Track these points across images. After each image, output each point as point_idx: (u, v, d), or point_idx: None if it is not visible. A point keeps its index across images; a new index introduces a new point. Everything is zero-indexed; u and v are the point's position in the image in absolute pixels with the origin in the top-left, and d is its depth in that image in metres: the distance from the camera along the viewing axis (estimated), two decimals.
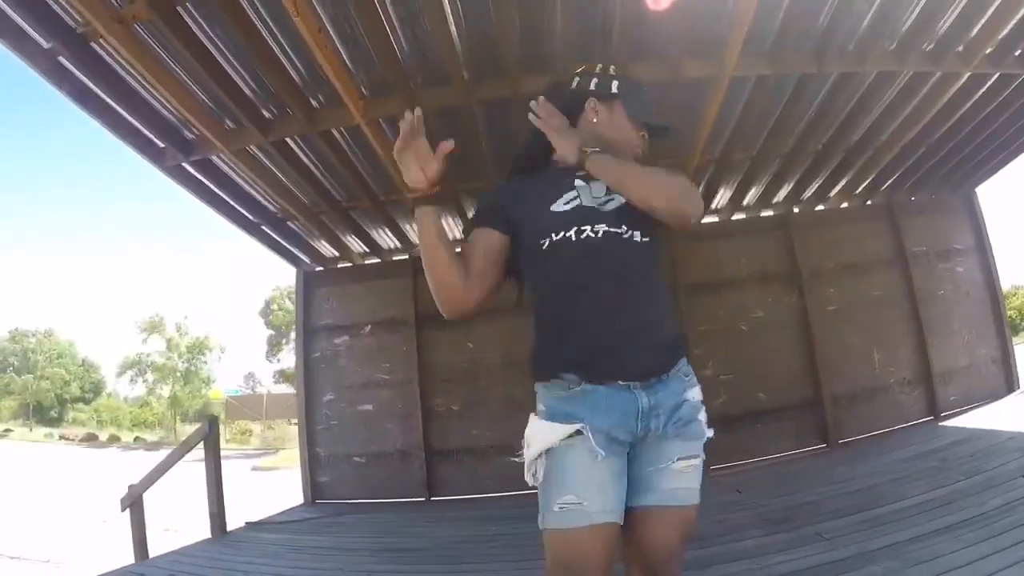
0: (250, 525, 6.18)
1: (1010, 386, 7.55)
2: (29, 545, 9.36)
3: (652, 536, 1.48)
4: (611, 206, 1.56)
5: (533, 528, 1.47)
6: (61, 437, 42.85)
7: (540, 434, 1.45)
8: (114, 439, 40.25)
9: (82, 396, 54.18)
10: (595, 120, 1.70)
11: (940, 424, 6.80)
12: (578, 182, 1.60)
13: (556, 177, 1.64)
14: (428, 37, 4.16)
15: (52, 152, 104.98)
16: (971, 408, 7.13)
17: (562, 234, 1.53)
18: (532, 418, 1.51)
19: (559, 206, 1.57)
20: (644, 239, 1.55)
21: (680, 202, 1.52)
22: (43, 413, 51.80)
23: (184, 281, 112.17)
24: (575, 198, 1.57)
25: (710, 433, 1.57)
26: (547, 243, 1.53)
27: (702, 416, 1.56)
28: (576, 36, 4.24)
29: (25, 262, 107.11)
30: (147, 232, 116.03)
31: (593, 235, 1.52)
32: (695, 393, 1.57)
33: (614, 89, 1.71)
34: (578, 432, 1.41)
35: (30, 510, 13.37)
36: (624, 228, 1.53)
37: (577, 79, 1.76)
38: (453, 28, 4.11)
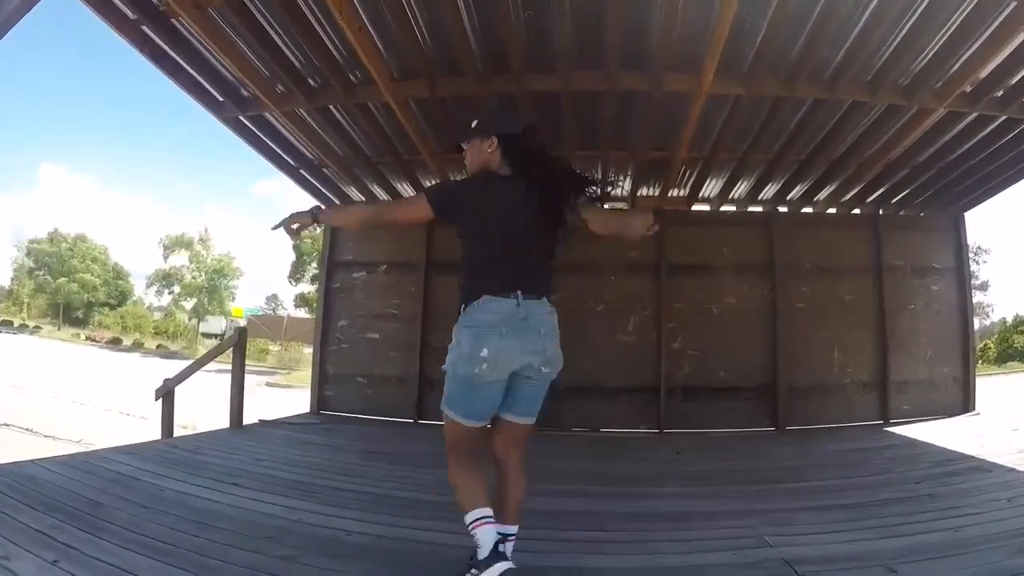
0: (263, 423, 7.18)
1: (966, 406, 7.85)
2: (62, 427, 10.48)
3: None
4: None
5: None
6: (87, 338, 44.77)
7: None
8: (138, 344, 42.01)
9: (107, 301, 56.40)
10: (466, 160, 2.52)
11: (885, 429, 7.13)
12: None
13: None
14: (447, 34, 4.89)
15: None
16: (922, 420, 7.43)
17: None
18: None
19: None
20: None
21: None
22: (70, 314, 53.96)
23: (224, 202, 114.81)
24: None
25: None
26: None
27: None
28: (573, 43, 4.92)
29: (66, 170, 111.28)
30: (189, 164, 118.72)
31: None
32: None
33: (472, 125, 2.49)
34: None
35: (61, 399, 14.66)
36: None
37: None
38: (468, 27, 4.84)
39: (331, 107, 6.09)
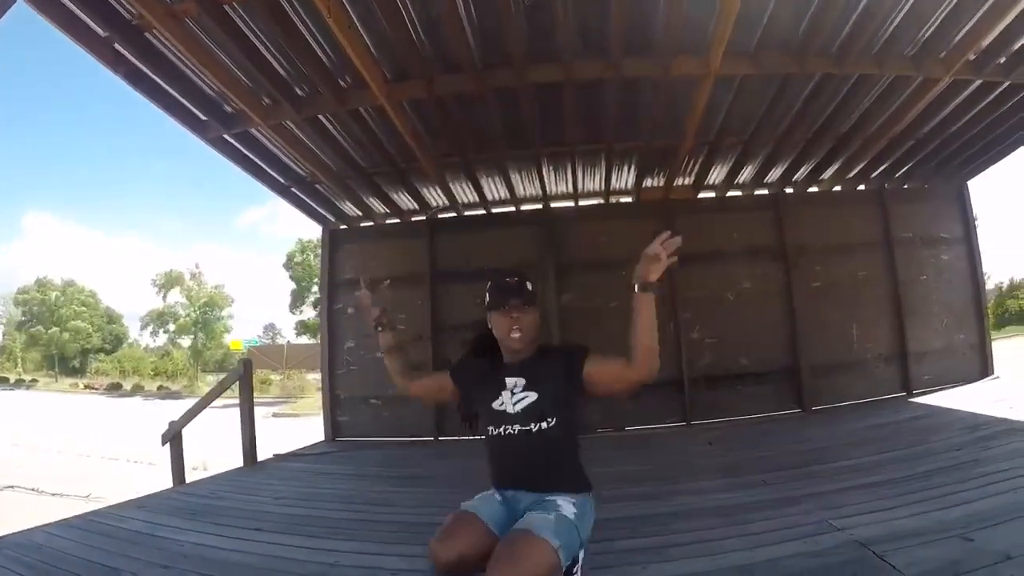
0: (278, 456, 6.88)
1: (984, 371, 7.99)
2: (68, 483, 10.00)
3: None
4: (520, 407, 2.24)
5: None
6: (86, 386, 43.70)
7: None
8: (138, 388, 41.14)
9: (103, 347, 55.43)
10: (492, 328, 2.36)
11: (910, 400, 7.24)
12: (507, 381, 2.27)
13: (495, 377, 2.31)
14: (443, 30, 4.66)
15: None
16: (943, 388, 7.56)
17: (495, 431, 2.25)
18: None
19: (496, 406, 2.26)
20: (549, 425, 2.21)
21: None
22: (66, 364, 53.16)
23: (210, 237, 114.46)
24: (502, 404, 2.26)
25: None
26: (492, 431, 2.26)
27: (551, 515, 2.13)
28: (576, 30, 4.76)
29: (51, 217, 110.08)
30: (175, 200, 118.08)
31: (512, 432, 2.23)
32: (563, 506, 2.14)
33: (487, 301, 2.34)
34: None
35: (65, 453, 14.14)
36: (532, 425, 2.21)
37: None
38: (465, 21, 4.62)
39: (321, 117, 5.84)
